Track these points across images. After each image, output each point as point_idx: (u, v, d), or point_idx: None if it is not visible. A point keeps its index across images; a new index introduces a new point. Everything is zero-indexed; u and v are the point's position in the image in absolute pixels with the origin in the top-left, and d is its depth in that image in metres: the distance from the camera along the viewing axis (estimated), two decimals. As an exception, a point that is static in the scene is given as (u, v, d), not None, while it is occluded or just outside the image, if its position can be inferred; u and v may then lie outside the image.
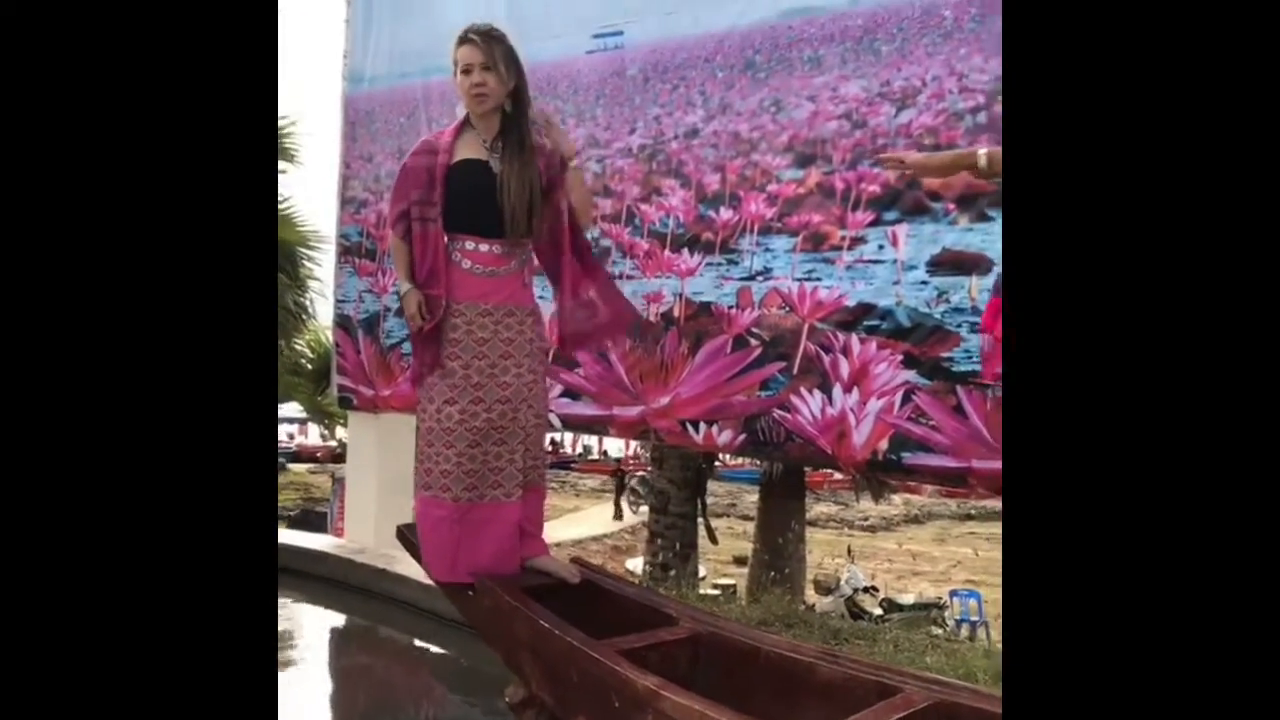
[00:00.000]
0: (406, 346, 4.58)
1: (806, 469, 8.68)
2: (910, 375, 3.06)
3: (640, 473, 18.62)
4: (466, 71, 2.38)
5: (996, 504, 18.82)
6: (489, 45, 2.38)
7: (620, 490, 19.65)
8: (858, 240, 3.18)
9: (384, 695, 3.40)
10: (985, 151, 2.14)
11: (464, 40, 2.41)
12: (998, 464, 2.84)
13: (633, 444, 19.67)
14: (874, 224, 3.15)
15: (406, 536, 2.68)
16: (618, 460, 24.21)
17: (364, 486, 5.19)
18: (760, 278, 3.39)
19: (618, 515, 19.23)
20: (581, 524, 18.29)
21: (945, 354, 2.99)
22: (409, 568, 3.93)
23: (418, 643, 3.82)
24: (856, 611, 9.19)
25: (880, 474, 4.13)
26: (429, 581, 2.84)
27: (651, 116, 3.73)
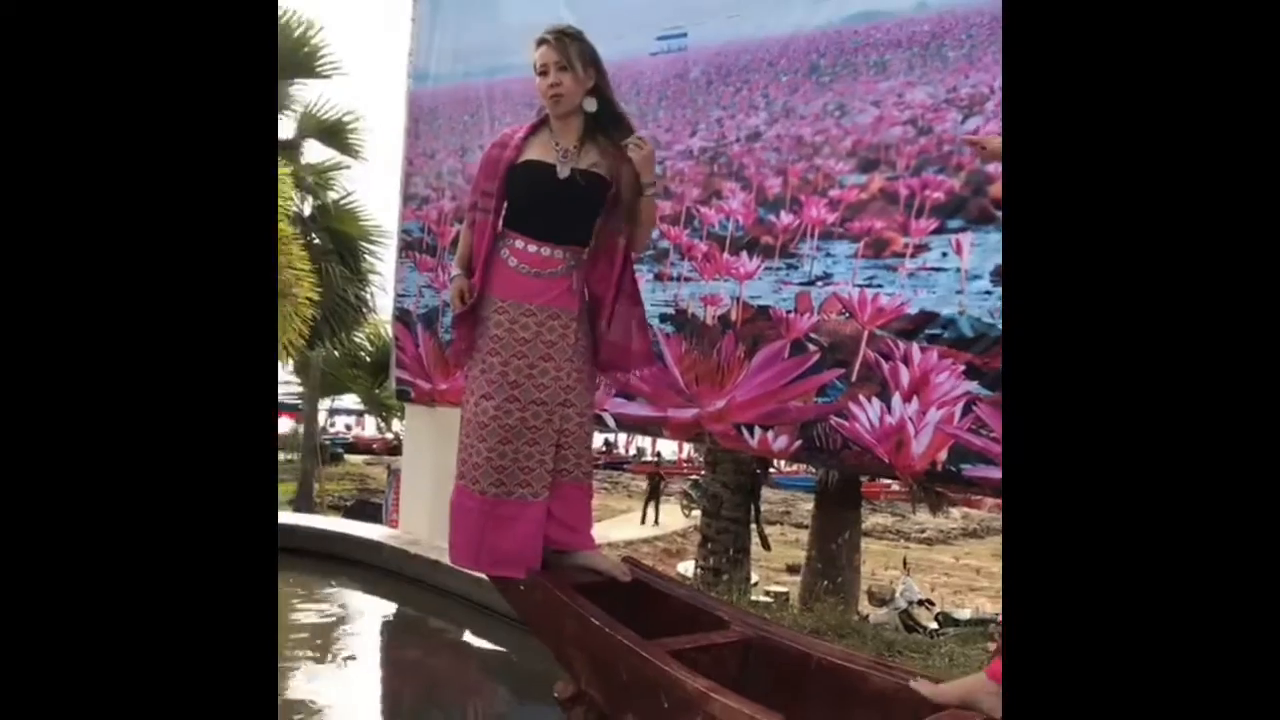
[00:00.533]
0: (465, 343, 4.64)
1: (863, 478, 8.58)
2: (972, 386, 3.01)
3: (694, 476, 18.57)
4: (543, 73, 2.40)
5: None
6: (563, 44, 2.40)
7: (652, 495, 18.96)
8: (921, 248, 3.13)
9: (433, 688, 3.45)
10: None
11: (540, 41, 2.43)
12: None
13: (685, 447, 19.61)
14: (938, 231, 3.10)
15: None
16: (655, 462, 23.63)
17: (419, 479, 5.25)
18: (820, 283, 3.36)
19: (648, 519, 18.69)
20: (633, 525, 18.31)
21: (1008, 364, 2.95)
22: (462, 562, 3.98)
23: (468, 636, 3.86)
24: (911, 624, 9.05)
25: (939, 485, 4.06)
26: (479, 575, 2.87)
27: (714, 119, 3.73)
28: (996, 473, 2.98)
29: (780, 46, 3.52)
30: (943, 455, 3.09)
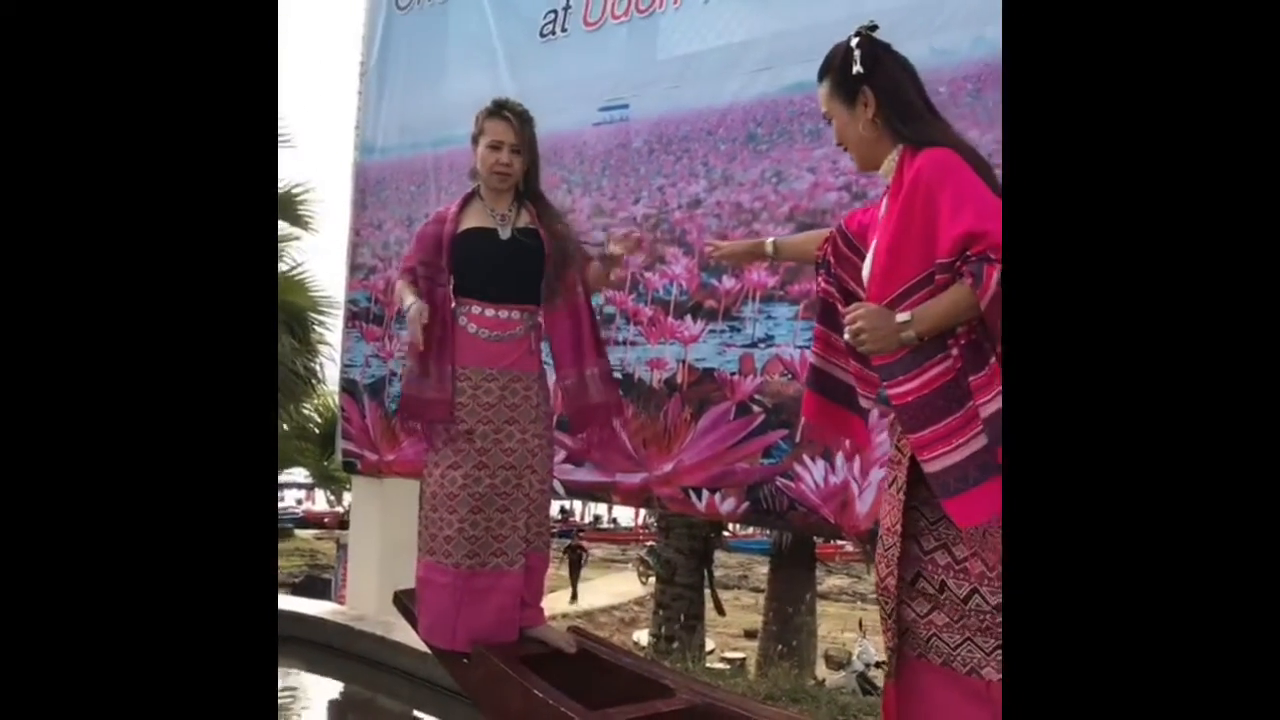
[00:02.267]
0: (412, 412, 4.59)
1: (817, 540, 8.58)
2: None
3: (649, 543, 18.41)
4: (495, 147, 2.45)
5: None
6: (523, 128, 2.47)
7: (574, 569, 17.59)
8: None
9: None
10: (772, 240, 2.19)
11: (498, 115, 2.47)
12: (1002, 534, 2.81)
13: (640, 514, 19.46)
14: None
15: (404, 603, 2.67)
16: (578, 531, 22.76)
17: (367, 552, 5.15)
18: (762, 345, 3.40)
19: (574, 597, 17.19)
20: (590, 595, 18.05)
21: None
22: (407, 635, 3.89)
23: (416, 714, 3.75)
24: (868, 688, 8.98)
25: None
26: (426, 649, 2.81)
27: (656, 187, 3.79)
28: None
29: (719, 116, 3.61)
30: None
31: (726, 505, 3.46)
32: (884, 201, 1.78)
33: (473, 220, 2.52)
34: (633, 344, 3.74)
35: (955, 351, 1.58)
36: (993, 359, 1.56)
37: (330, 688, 4.10)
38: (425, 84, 4.75)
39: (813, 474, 3.22)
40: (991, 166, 1.69)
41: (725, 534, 13.86)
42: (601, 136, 3.98)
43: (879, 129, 1.74)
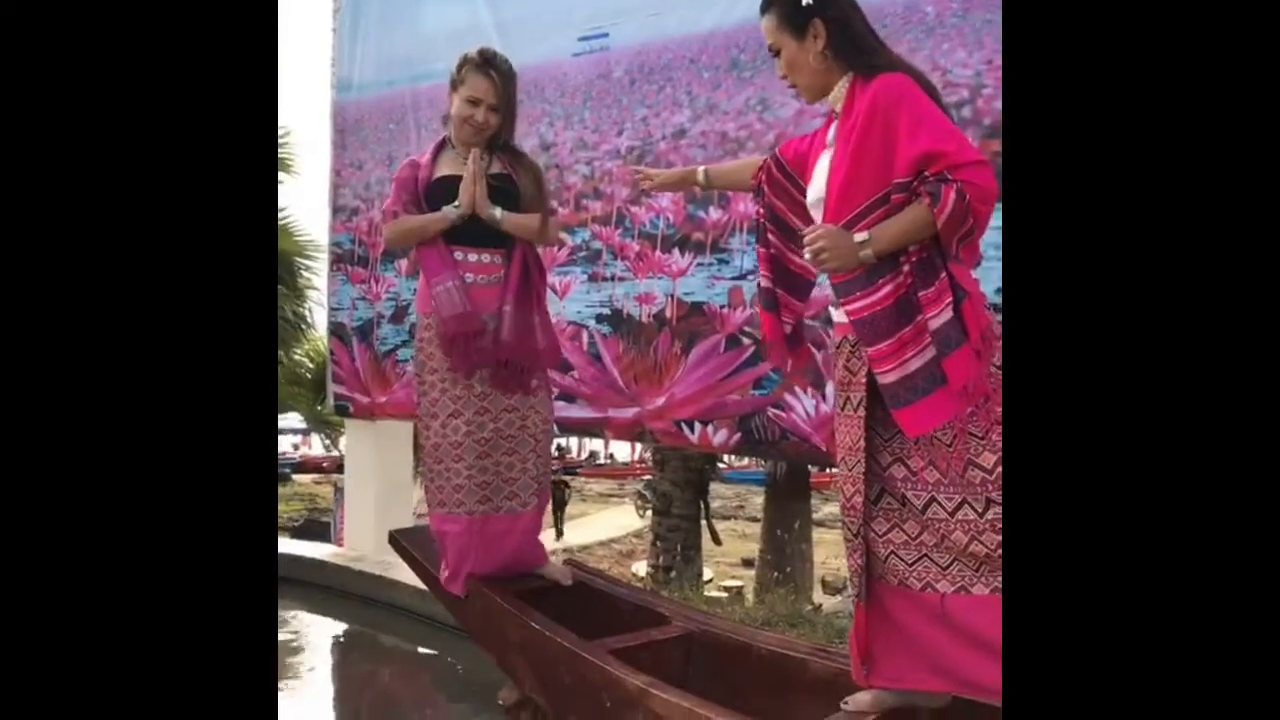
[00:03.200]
0: (402, 353, 4.59)
1: (812, 469, 8.66)
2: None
3: (645, 476, 18.54)
4: (473, 103, 2.39)
5: (1003, 500, 18.74)
6: (505, 85, 2.40)
7: (558, 507, 16.58)
8: (847, 236, 3.17)
9: (387, 704, 3.40)
10: (704, 169, 2.21)
11: (482, 71, 2.39)
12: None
13: (638, 448, 19.59)
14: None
15: (400, 542, 2.68)
16: (566, 469, 22.39)
17: (363, 494, 5.19)
18: (751, 277, 3.38)
19: (559, 535, 16.25)
20: (588, 529, 18.26)
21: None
22: (405, 573, 3.93)
23: (419, 649, 3.82)
24: (863, 610, 9.12)
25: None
26: (424, 587, 2.84)
27: (639, 118, 3.73)
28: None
29: (701, 43, 3.54)
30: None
31: (719, 437, 3.48)
32: (831, 129, 1.81)
33: (446, 168, 2.47)
34: (621, 279, 3.72)
35: (907, 268, 1.62)
36: (943, 274, 1.61)
37: (332, 627, 4.16)
38: (401, 17, 4.64)
39: (804, 404, 3.23)
40: (938, 91, 1.75)
41: (721, 465, 13.97)
42: (582, 67, 3.91)
43: (828, 60, 1.77)
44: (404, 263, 4.53)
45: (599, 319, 3.78)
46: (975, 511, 1.65)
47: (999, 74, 2.87)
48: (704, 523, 7.37)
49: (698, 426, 3.53)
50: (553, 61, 3.92)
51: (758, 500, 16.83)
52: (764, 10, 1.85)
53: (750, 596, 6.88)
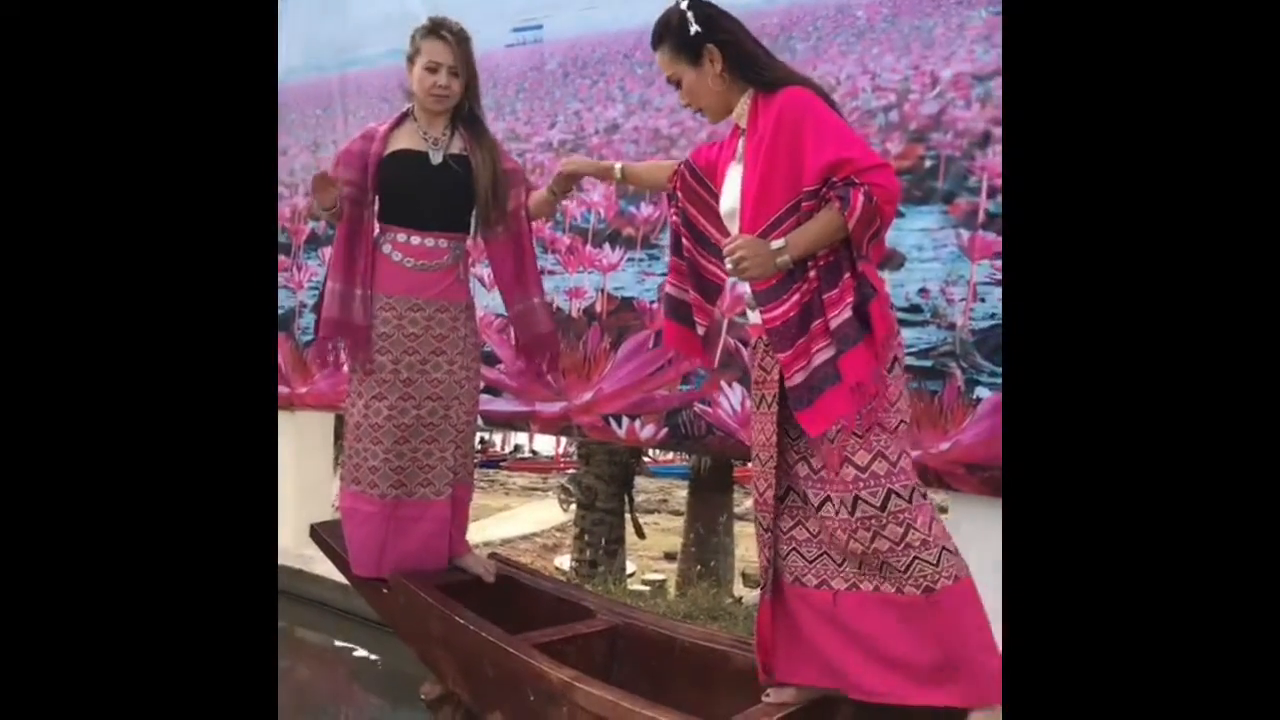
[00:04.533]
0: (325, 343, 4.50)
1: (735, 463, 8.77)
2: (827, 368, 3.10)
3: (569, 470, 18.50)
4: (432, 69, 2.35)
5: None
6: (462, 48, 2.38)
7: None
8: (775, 235, 3.21)
9: (302, 698, 3.34)
10: (620, 165, 2.31)
11: (435, 35, 2.37)
12: (912, 454, 2.90)
13: (562, 442, 19.51)
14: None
15: (321, 536, 2.64)
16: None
17: (281, 487, 5.05)
18: (681, 273, 3.40)
19: None
20: (511, 523, 18.15)
21: (860, 347, 3.05)
22: (325, 568, 3.87)
23: (336, 643, 3.76)
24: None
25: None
26: (345, 582, 2.80)
27: (572, 111, 3.72)
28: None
29: (635, 39, 3.54)
30: (803, 437, 3.18)
31: (646, 431, 3.49)
32: (739, 142, 1.88)
33: (403, 141, 2.42)
34: (551, 273, 3.69)
35: (813, 273, 1.70)
36: (847, 275, 1.69)
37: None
38: (330, 3, 4.54)
39: (730, 399, 3.26)
40: (834, 100, 1.85)
41: (645, 460, 14.00)
42: (514, 59, 3.88)
43: (727, 81, 1.84)
44: (328, 251, 4.43)
45: (528, 312, 3.76)
46: (847, 510, 1.72)
47: (925, 79, 2.93)
48: (628, 516, 7.39)
49: (625, 421, 3.54)
50: (485, 52, 3.84)
51: (681, 494, 16.93)
52: (656, 44, 1.92)
53: (673, 590, 6.94)
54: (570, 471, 18.36)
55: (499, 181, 2.43)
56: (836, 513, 1.74)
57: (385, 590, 2.37)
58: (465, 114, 2.46)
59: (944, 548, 1.71)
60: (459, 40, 2.39)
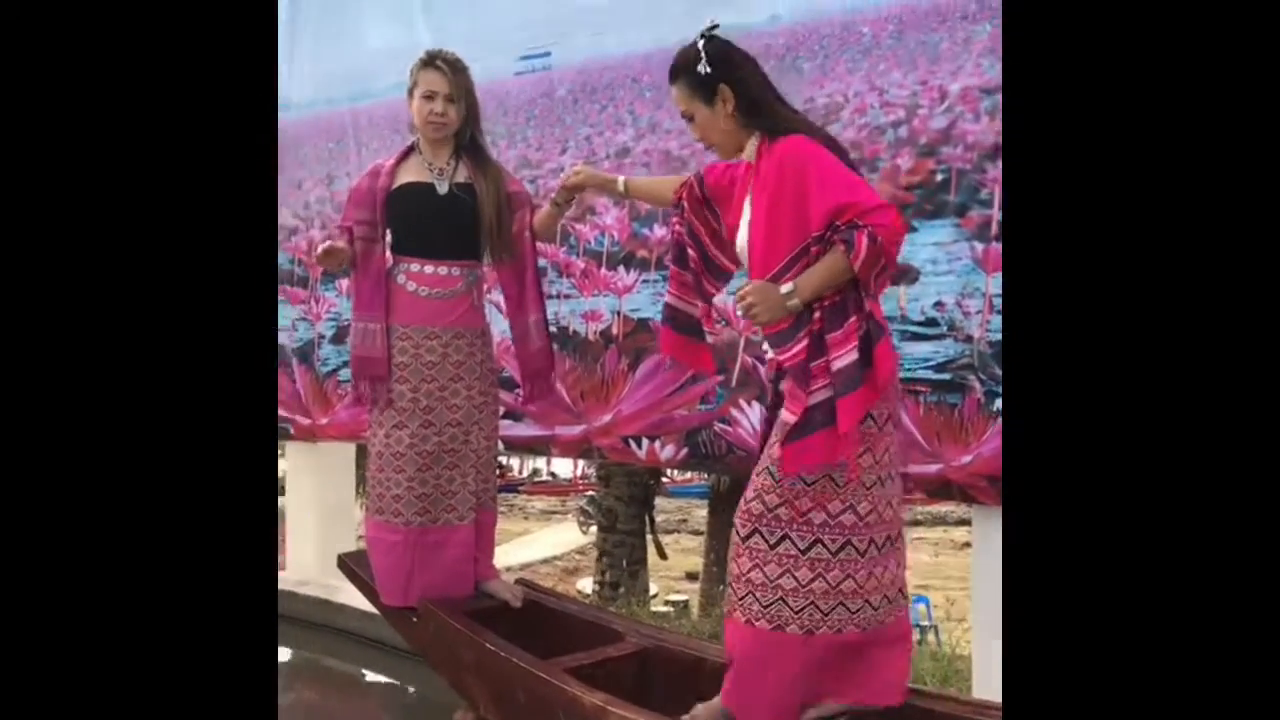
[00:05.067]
0: (343, 374, 4.53)
1: (753, 481, 8.74)
2: (845, 384, 3.10)
3: (589, 493, 18.48)
4: (429, 98, 2.41)
5: (940, 509, 19.08)
6: (457, 77, 2.43)
7: None
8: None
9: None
10: (624, 178, 2.39)
11: (431, 65, 2.43)
12: (933, 468, 2.90)
13: (580, 465, 19.51)
14: (804, 237, 3.20)
15: (349, 565, 2.66)
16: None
17: (304, 517, 5.10)
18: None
19: None
20: (531, 546, 18.14)
21: (878, 362, 3.05)
22: (351, 597, 3.88)
23: (364, 674, 3.76)
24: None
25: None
26: (372, 610, 2.82)
27: (582, 137, 3.76)
28: (875, 466, 3.08)
29: (643, 62, 3.58)
30: (823, 453, 3.18)
31: (666, 452, 3.50)
32: (750, 182, 1.93)
33: (409, 175, 2.47)
34: (566, 297, 3.72)
35: (819, 314, 1.75)
36: (853, 318, 1.73)
37: (279, 653, 4.08)
38: (340, 36, 4.60)
39: (749, 417, 3.27)
40: (837, 142, 1.93)
41: (664, 480, 13.99)
42: (524, 86, 3.92)
43: (738, 121, 1.90)
44: (345, 283, 4.48)
45: (544, 337, 3.78)
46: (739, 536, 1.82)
47: (933, 94, 2.95)
48: (649, 537, 7.38)
49: (645, 442, 3.55)
50: (495, 80, 3.92)
51: (700, 514, 16.92)
52: (672, 80, 1.98)
53: (696, 610, 6.92)
54: (589, 494, 18.41)
55: (503, 208, 2.47)
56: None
57: (415, 619, 2.38)
58: (467, 142, 2.51)
59: (885, 595, 1.82)
60: (454, 69, 2.45)
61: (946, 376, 2.88)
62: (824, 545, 1.77)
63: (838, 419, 1.69)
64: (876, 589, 1.81)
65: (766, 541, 1.79)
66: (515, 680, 2.08)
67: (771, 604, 1.78)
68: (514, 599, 2.48)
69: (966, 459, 2.83)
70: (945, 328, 2.89)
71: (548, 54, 3.83)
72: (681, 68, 1.95)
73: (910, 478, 3.00)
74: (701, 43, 1.90)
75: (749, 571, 1.81)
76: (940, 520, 19.02)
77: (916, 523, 21.58)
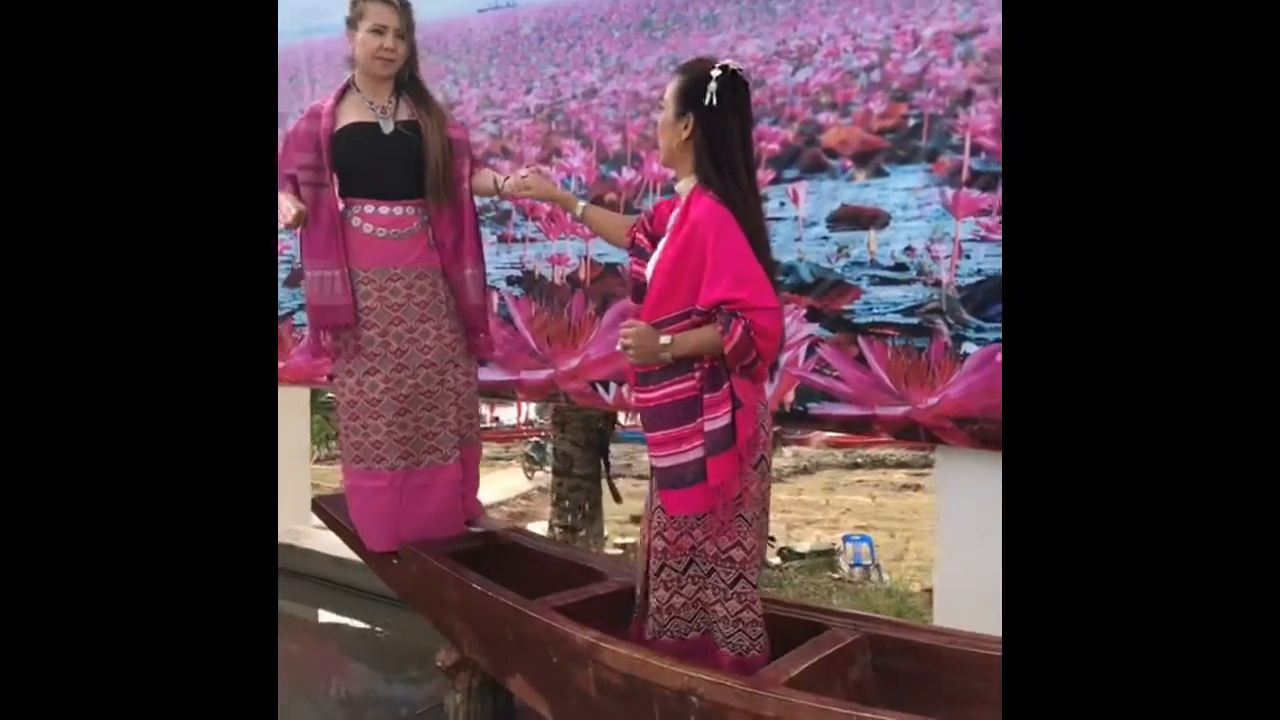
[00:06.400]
0: (298, 317, 4.45)
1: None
2: (814, 329, 3.14)
3: (533, 439, 18.45)
4: (378, 32, 2.33)
5: (881, 452, 19.47)
6: (405, 13, 2.36)
7: None
8: (760, 198, 3.22)
9: (295, 675, 3.34)
10: (584, 205, 2.44)
11: None
12: (900, 409, 2.96)
13: (524, 411, 19.43)
14: (774, 182, 3.20)
15: (326, 511, 2.63)
16: None
17: (260, 463, 5.02)
18: (664, 236, 3.41)
19: None
20: (481, 491, 18.08)
21: (846, 307, 3.09)
22: (318, 542, 3.86)
23: (326, 617, 3.75)
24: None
25: (788, 425, 4.23)
26: (340, 555, 2.81)
27: (548, 76, 3.69)
28: (839, 409, 3.14)
29: (610, 2, 3.53)
30: (790, 396, 3.22)
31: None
32: (672, 218, 2.03)
33: (351, 115, 2.40)
34: (532, 240, 3.69)
35: (699, 374, 1.89)
36: (726, 385, 1.87)
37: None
38: (291, -33, 4.43)
39: (719, 361, 3.29)
40: (765, 225, 2.01)
41: (617, 425, 14.01)
42: (487, 24, 3.84)
43: (686, 151, 1.98)
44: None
45: (510, 281, 3.75)
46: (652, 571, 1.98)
47: (906, 38, 2.96)
48: (604, 481, 7.43)
49: (613, 387, 3.56)
50: (457, 17, 3.83)
51: (644, 458, 17.06)
52: (676, 73, 2.05)
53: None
54: (534, 439, 18.34)
55: (446, 149, 2.42)
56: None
57: (395, 562, 2.38)
58: (407, 80, 2.45)
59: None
60: (402, 4, 2.38)
61: (915, 321, 2.93)
62: (719, 575, 1.93)
63: (709, 477, 1.84)
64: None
65: (675, 570, 1.95)
66: (503, 620, 2.10)
67: (695, 617, 1.96)
68: (505, 535, 2.50)
69: (933, 401, 2.90)
70: (914, 272, 2.93)
71: (513, -10, 3.74)
72: (684, 70, 2.03)
73: (877, 419, 3.07)
74: (716, 73, 1.93)
75: (669, 599, 1.96)
76: (879, 463, 19.40)
77: (855, 465, 22.02)
